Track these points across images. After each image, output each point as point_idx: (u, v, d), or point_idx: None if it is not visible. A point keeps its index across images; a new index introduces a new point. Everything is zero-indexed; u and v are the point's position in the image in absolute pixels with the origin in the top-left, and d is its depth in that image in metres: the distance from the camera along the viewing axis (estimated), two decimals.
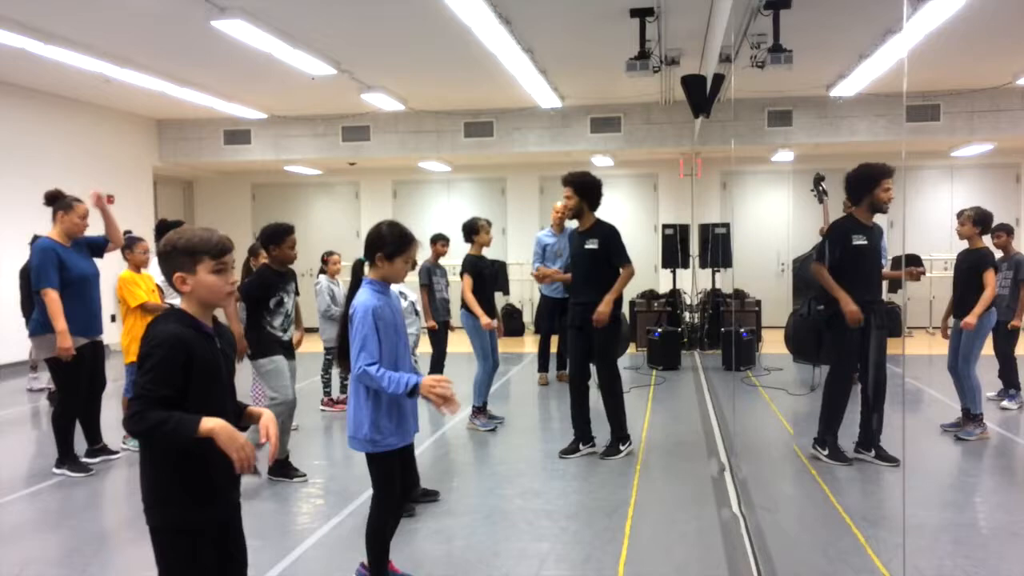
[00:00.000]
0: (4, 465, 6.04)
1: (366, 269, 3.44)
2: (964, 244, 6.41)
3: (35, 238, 5.90)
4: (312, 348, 7.66)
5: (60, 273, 5.39)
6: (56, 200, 5.53)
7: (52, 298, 5.31)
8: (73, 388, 5.56)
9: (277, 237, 5.21)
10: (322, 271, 7.56)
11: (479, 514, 4.72)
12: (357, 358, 3.22)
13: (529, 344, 12.38)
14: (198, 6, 6.78)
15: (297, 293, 5.52)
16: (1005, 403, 7.28)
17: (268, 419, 2.53)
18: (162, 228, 7.08)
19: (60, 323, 5.31)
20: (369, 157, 13.00)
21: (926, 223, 12.96)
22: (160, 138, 13.13)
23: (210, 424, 2.25)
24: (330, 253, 7.61)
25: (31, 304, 8.08)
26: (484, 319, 6.60)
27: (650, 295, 11.47)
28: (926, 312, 12.39)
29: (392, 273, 3.40)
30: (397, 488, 3.48)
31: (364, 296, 3.33)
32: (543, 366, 8.83)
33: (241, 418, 2.61)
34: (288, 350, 5.39)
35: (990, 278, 6.13)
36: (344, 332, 3.37)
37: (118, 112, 12.10)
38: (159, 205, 13.49)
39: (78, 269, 5.49)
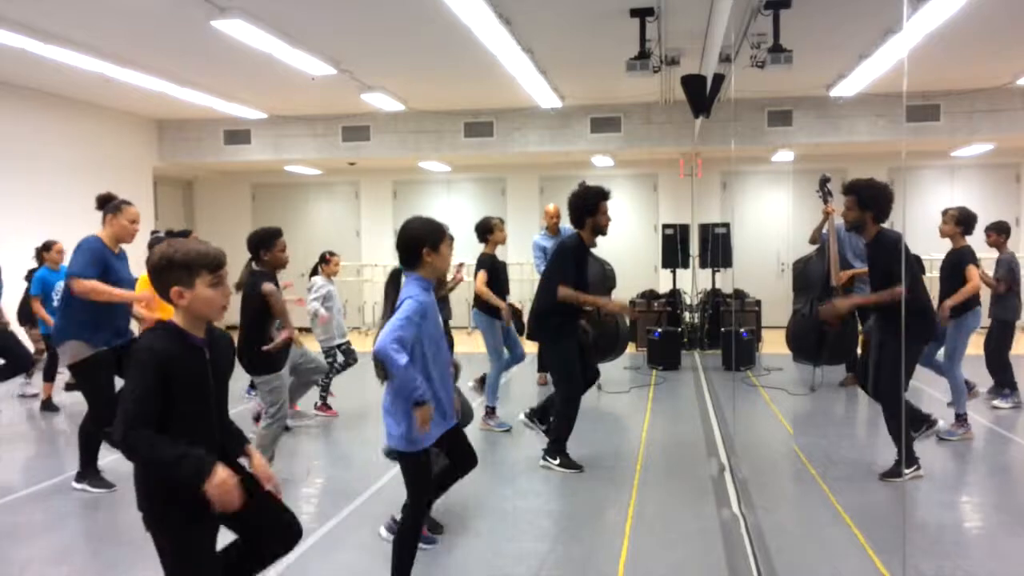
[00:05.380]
0: (6, 465, 6.04)
1: (403, 279, 3.40)
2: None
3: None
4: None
5: (101, 277, 5.04)
6: (107, 203, 5.23)
7: (93, 287, 4.92)
8: (99, 395, 5.25)
9: (267, 241, 5.11)
10: (314, 272, 7.45)
11: (479, 514, 4.72)
12: (387, 334, 3.17)
13: (529, 344, 12.36)
14: (198, 6, 6.78)
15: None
16: (997, 402, 7.21)
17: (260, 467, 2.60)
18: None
19: (117, 294, 4.98)
20: (369, 157, 12.99)
21: (926, 223, 12.90)
22: (160, 138, 13.12)
23: (210, 488, 2.35)
24: (332, 253, 7.56)
25: (29, 311, 8.02)
26: (505, 310, 6.66)
27: (650, 295, 11.46)
28: None
29: (442, 263, 3.39)
30: (427, 485, 3.51)
31: (414, 289, 3.29)
32: (543, 366, 8.82)
33: (231, 440, 2.64)
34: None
35: (972, 272, 6.09)
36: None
37: (118, 112, 12.09)
38: (159, 205, 13.48)
39: (117, 279, 5.16)
